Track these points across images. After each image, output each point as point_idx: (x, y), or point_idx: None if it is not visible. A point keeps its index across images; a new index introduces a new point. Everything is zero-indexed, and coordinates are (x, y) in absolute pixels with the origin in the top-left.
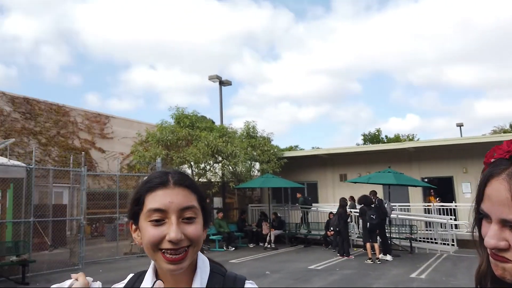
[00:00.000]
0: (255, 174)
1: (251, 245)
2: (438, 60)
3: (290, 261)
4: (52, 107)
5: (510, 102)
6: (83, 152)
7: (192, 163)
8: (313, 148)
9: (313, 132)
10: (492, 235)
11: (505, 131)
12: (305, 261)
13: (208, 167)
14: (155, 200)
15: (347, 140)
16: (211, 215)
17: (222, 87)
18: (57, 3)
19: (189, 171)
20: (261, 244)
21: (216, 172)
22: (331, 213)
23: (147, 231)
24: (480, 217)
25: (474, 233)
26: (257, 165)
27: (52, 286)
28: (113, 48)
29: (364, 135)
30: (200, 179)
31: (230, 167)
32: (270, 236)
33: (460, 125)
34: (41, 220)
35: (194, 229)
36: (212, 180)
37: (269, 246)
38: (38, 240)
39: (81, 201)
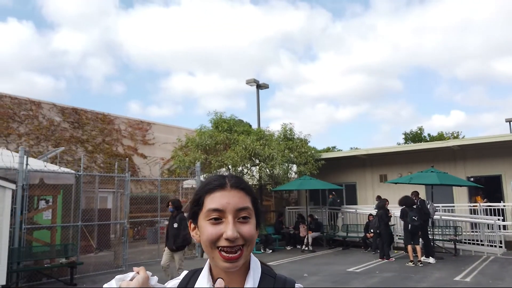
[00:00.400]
0: (292, 176)
1: (288, 248)
2: (484, 53)
3: (328, 264)
4: (98, 116)
5: None
6: (126, 159)
7: (230, 166)
8: (351, 148)
9: (352, 132)
10: None
11: None
12: (343, 263)
13: (245, 170)
14: (214, 200)
15: (387, 140)
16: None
17: (260, 90)
18: (101, 17)
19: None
20: (298, 246)
21: (253, 175)
22: (370, 214)
23: (206, 229)
24: None
25: None
26: (294, 167)
27: (116, 276)
28: (154, 57)
29: (405, 133)
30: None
31: (267, 170)
32: (307, 239)
33: (510, 121)
34: (88, 224)
35: (249, 228)
36: (250, 183)
37: (306, 248)
38: (84, 243)
39: (125, 205)
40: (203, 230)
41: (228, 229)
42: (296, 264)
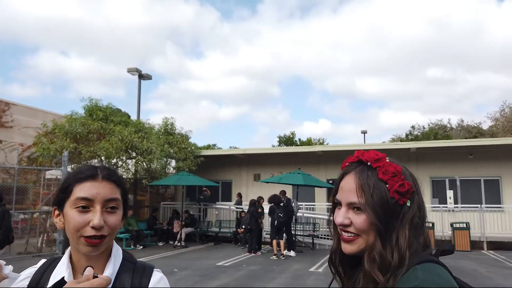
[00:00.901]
0: (171, 171)
1: (160, 244)
2: (350, 70)
3: (199, 259)
4: None
5: (408, 113)
6: None
7: (103, 158)
8: (230, 147)
9: (232, 131)
10: (339, 215)
11: (401, 140)
12: (214, 258)
13: (120, 162)
14: (83, 190)
15: (265, 141)
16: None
17: (142, 80)
18: None
19: None
20: (171, 242)
21: (129, 169)
22: (242, 211)
23: (73, 217)
24: (334, 205)
25: (330, 219)
26: (173, 163)
27: None
28: (19, 27)
29: (279, 137)
30: None
31: (145, 164)
32: (180, 234)
33: (364, 132)
34: None
35: (115, 219)
36: (124, 177)
37: (179, 244)
38: None
39: None
40: (70, 217)
41: (95, 218)
42: (167, 259)
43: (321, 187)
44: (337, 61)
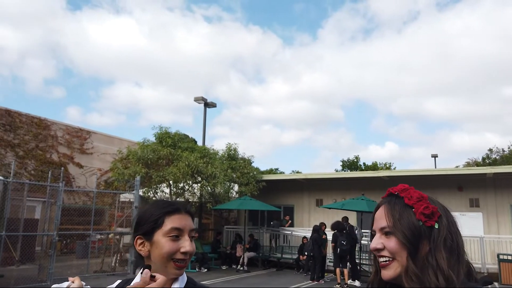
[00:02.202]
0: (233, 195)
1: (224, 267)
2: (417, 92)
3: (261, 284)
4: (33, 120)
5: (485, 135)
6: (62, 168)
7: (171, 182)
8: (293, 171)
9: (295, 155)
10: (373, 241)
11: (477, 164)
12: (276, 284)
13: (187, 186)
14: (175, 221)
15: (328, 165)
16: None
17: (207, 108)
18: (46, 17)
19: (167, 190)
20: (234, 266)
21: (194, 192)
22: (304, 237)
23: (167, 244)
24: (372, 236)
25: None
26: (236, 187)
27: (52, 286)
28: (99, 63)
29: (343, 161)
30: (178, 199)
31: (209, 188)
32: (243, 258)
33: (435, 156)
34: (12, 234)
35: (194, 245)
36: (190, 200)
37: (241, 268)
38: (6, 254)
39: (56, 217)
40: (162, 245)
41: (187, 245)
42: (230, 283)
43: None
44: (402, 83)
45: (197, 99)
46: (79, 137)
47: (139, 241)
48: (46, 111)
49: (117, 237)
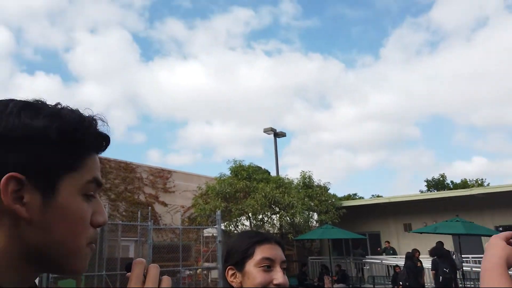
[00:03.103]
0: (314, 225)
1: None
2: (499, 100)
3: None
4: (120, 165)
5: None
6: (149, 207)
7: (250, 214)
8: (372, 196)
9: (372, 179)
10: None
11: None
12: None
13: (266, 218)
14: (265, 251)
15: (409, 187)
16: None
17: (277, 138)
18: (124, 70)
19: (247, 223)
20: None
21: (274, 224)
22: (397, 266)
23: (259, 275)
24: None
25: None
26: (315, 216)
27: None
28: (172, 108)
29: (427, 181)
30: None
31: (288, 218)
32: None
33: None
34: (111, 273)
35: (286, 277)
36: (270, 232)
37: None
38: None
39: (148, 255)
40: (255, 275)
41: (279, 276)
42: None
43: (489, 235)
44: (479, 92)
45: (266, 130)
46: (162, 177)
47: (230, 272)
48: (130, 155)
49: (205, 272)
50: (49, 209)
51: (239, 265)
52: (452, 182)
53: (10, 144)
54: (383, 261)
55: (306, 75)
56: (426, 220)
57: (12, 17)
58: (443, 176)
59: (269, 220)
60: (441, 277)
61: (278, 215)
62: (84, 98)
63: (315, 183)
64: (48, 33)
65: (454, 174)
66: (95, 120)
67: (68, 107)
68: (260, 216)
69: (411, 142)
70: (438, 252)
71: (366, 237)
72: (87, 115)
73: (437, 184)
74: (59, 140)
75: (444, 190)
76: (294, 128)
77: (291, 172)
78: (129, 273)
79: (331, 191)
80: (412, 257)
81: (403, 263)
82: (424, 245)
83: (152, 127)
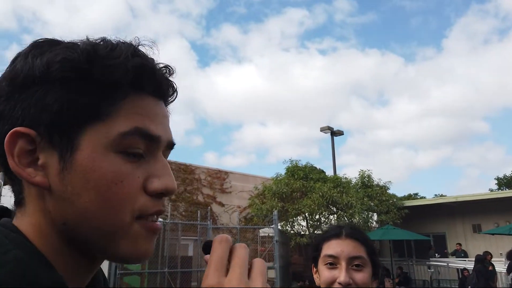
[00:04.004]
0: (373, 225)
1: None
2: None
3: None
4: (180, 167)
5: None
6: (209, 207)
7: (306, 214)
8: (436, 195)
9: (434, 177)
10: None
11: None
12: None
13: (323, 218)
14: (330, 247)
15: (477, 185)
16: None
17: (334, 137)
18: (183, 77)
19: (303, 223)
20: None
21: (332, 224)
22: (465, 269)
23: (323, 273)
24: None
25: None
26: (375, 216)
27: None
28: (227, 111)
29: (498, 178)
30: (315, 231)
31: (346, 219)
32: None
33: None
34: (172, 271)
35: (362, 276)
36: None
37: None
38: None
39: None
40: (321, 273)
41: (341, 275)
42: None
43: None
44: None
45: (323, 129)
46: (219, 178)
47: (314, 269)
48: (189, 157)
49: None
50: (69, 173)
51: (315, 262)
52: None
53: (17, 93)
54: (449, 264)
55: (363, 72)
56: (498, 221)
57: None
58: None
59: (326, 221)
60: None
61: (335, 215)
62: None
63: (375, 183)
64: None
65: None
66: (133, 46)
67: (103, 38)
68: (317, 216)
69: (479, 138)
70: None
71: (430, 239)
72: (124, 43)
73: (510, 181)
74: (67, 79)
75: None
76: (350, 126)
77: (347, 172)
78: (207, 256)
79: (390, 191)
80: (483, 260)
81: (472, 266)
82: (495, 247)
83: (208, 131)
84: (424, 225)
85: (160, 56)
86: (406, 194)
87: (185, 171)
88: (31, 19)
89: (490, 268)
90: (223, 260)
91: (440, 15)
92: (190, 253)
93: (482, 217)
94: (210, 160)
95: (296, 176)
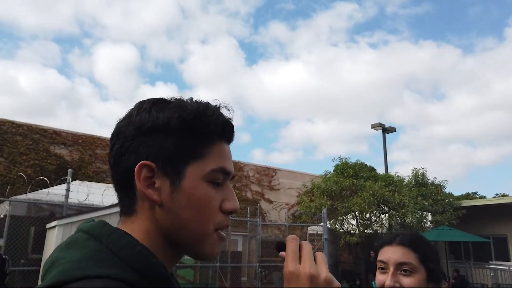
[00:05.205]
0: (427, 226)
1: None
2: None
3: None
4: None
5: None
6: (258, 204)
7: (356, 213)
8: (496, 195)
9: (495, 175)
10: None
11: None
12: None
13: (374, 218)
14: (382, 254)
15: None
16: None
17: (386, 134)
18: (231, 75)
19: (353, 222)
20: None
21: (383, 223)
22: None
23: (377, 277)
24: None
25: None
26: (429, 216)
27: None
28: (275, 108)
29: None
30: (365, 230)
31: (398, 218)
32: None
33: None
34: (223, 265)
35: (409, 281)
36: (379, 232)
37: None
38: (220, 284)
39: (257, 249)
40: (376, 277)
41: (388, 279)
42: None
43: None
44: None
45: (374, 126)
46: (267, 175)
47: None
48: (238, 154)
49: None
50: (177, 194)
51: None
52: None
53: (142, 136)
54: (511, 268)
55: (416, 65)
56: None
57: (138, 36)
58: None
59: (377, 220)
60: None
61: (387, 214)
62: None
63: (430, 181)
64: (167, 47)
65: None
66: (218, 108)
67: (198, 100)
68: (368, 215)
69: None
70: None
71: (490, 241)
72: (212, 105)
73: None
74: (181, 129)
75: None
76: (403, 122)
77: (399, 169)
78: (282, 252)
79: (446, 190)
80: None
81: None
82: None
83: (256, 127)
84: (483, 226)
85: (211, 55)
86: (464, 193)
87: (234, 168)
88: (91, 23)
89: None
90: (296, 252)
91: (503, 2)
92: (240, 248)
93: None
94: (257, 157)
95: (345, 174)
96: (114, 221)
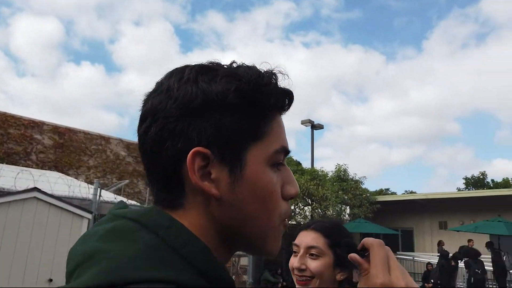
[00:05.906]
0: (346, 218)
1: None
2: None
3: None
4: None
5: None
6: None
7: None
8: (406, 192)
9: (406, 175)
10: None
11: None
12: None
13: (297, 210)
14: (297, 238)
15: (445, 184)
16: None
17: (314, 130)
18: (164, 61)
19: None
20: None
21: (306, 215)
22: (429, 263)
23: (290, 260)
24: None
25: None
26: (348, 210)
27: None
28: None
29: (466, 178)
30: (289, 222)
31: (320, 210)
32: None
33: None
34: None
35: (316, 264)
36: (302, 223)
37: None
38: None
39: None
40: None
41: (294, 261)
42: None
43: None
44: None
45: (304, 122)
46: None
47: None
48: None
49: (234, 259)
50: (238, 185)
51: None
52: (493, 180)
53: (191, 115)
54: (414, 258)
55: (345, 67)
56: (464, 219)
57: (64, 10)
58: (483, 174)
59: (300, 212)
60: (473, 278)
61: (310, 207)
62: (125, 86)
63: (350, 177)
64: (96, 25)
65: (495, 172)
66: (274, 74)
67: (244, 64)
68: (292, 207)
69: (450, 139)
70: (470, 253)
71: (399, 233)
72: (264, 70)
73: (477, 182)
74: (240, 104)
75: (484, 188)
76: (329, 120)
77: (323, 165)
78: (352, 254)
79: (363, 186)
80: (447, 256)
81: (436, 261)
82: (458, 244)
83: None
84: (394, 220)
85: (144, 38)
86: (378, 189)
87: None
88: None
89: (453, 264)
90: (386, 261)
91: (424, 16)
92: None
93: (449, 215)
94: None
95: None
96: (28, 208)
